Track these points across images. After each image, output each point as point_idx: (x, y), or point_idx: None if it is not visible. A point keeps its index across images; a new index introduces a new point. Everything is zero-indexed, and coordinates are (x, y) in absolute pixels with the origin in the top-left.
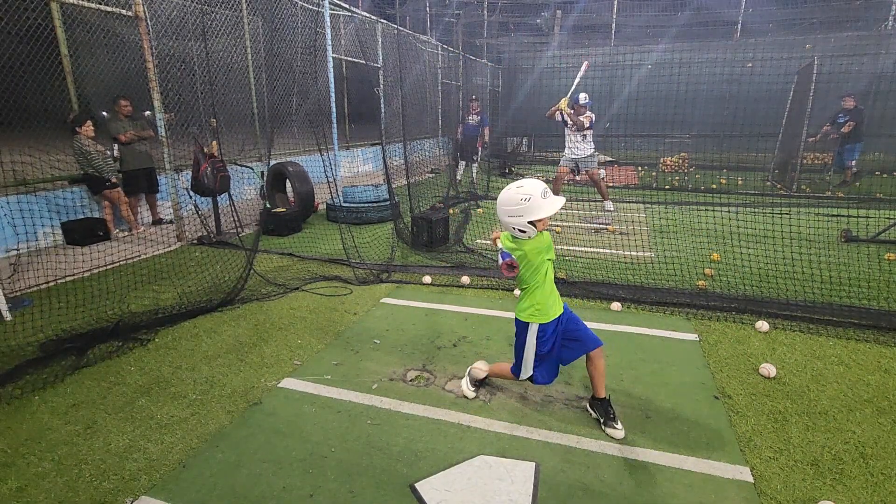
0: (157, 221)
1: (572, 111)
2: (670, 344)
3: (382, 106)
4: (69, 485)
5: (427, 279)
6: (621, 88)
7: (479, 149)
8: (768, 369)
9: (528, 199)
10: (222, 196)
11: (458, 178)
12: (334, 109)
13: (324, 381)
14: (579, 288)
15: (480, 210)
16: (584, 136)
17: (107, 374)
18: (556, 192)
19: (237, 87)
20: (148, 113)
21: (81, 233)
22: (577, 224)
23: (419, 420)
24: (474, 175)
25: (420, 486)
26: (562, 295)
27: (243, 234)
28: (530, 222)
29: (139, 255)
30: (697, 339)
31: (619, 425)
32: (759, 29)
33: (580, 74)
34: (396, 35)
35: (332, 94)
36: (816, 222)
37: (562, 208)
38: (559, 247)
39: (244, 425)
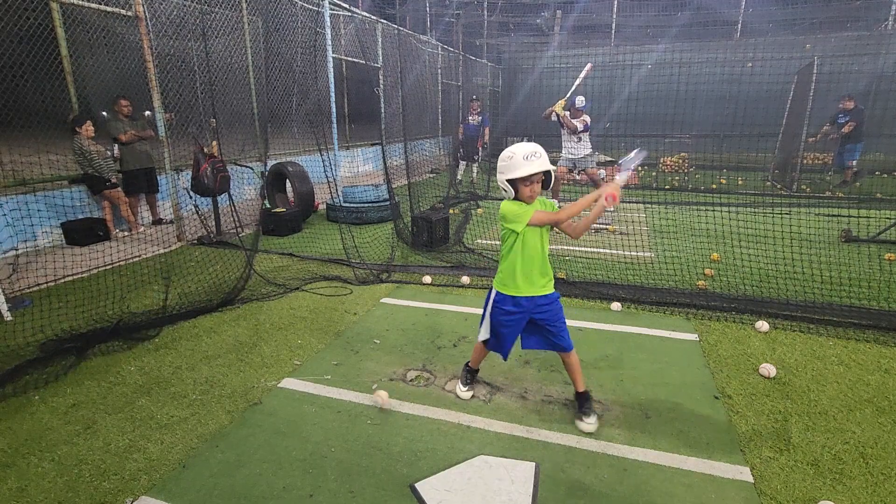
0: (157, 221)
1: (567, 113)
2: (670, 344)
3: (382, 106)
4: (69, 485)
5: (427, 279)
6: (621, 88)
7: (480, 149)
8: (768, 369)
9: (511, 157)
10: (222, 196)
11: (459, 177)
12: (334, 109)
13: (324, 381)
14: (579, 288)
15: (480, 210)
16: (580, 137)
17: (107, 374)
18: (555, 193)
19: (237, 87)
20: (148, 113)
21: (81, 233)
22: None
23: (419, 420)
24: (474, 175)
25: (420, 486)
26: (562, 295)
27: (243, 234)
28: (509, 181)
29: (139, 255)
30: (697, 339)
31: (592, 420)
32: (758, 29)
33: (582, 76)
34: (396, 35)
35: (332, 94)
36: (816, 222)
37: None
38: (559, 246)
39: (244, 425)
